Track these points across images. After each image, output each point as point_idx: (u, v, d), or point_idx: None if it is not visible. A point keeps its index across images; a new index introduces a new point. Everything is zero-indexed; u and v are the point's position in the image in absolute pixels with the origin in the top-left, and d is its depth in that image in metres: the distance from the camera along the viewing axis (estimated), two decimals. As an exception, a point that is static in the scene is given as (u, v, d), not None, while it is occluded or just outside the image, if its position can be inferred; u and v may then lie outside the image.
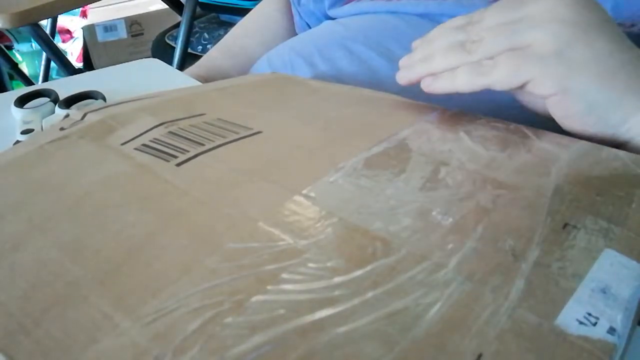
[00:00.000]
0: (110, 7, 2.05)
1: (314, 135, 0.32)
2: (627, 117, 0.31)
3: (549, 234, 0.23)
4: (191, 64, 0.69)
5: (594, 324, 0.19)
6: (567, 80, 0.31)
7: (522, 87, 0.32)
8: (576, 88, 0.31)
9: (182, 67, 1.23)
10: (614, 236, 0.23)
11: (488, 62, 0.32)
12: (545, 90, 0.32)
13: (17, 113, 0.47)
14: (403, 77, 0.37)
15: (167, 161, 0.29)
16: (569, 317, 0.19)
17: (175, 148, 0.31)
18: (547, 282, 0.20)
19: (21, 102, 0.49)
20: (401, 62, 0.38)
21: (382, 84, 0.45)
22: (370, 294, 0.20)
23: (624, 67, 0.31)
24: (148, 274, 0.21)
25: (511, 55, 0.32)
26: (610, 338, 0.18)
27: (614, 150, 0.30)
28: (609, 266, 0.21)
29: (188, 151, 0.30)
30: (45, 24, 1.73)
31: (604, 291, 0.20)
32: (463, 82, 0.33)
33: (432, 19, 0.49)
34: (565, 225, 0.23)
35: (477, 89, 0.33)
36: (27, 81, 1.67)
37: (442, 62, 0.34)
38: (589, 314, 0.19)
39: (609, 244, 0.22)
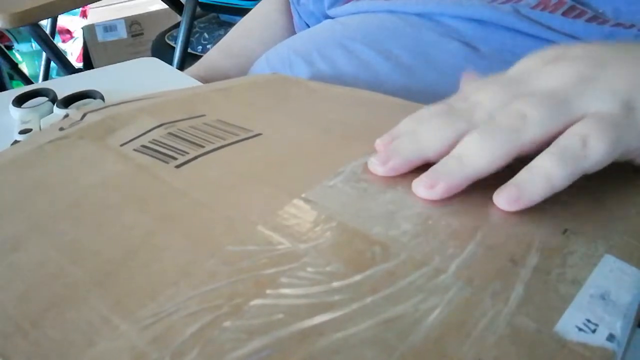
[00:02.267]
0: (110, 7, 2.05)
1: (313, 138, 0.32)
2: None
3: (548, 239, 0.23)
4: (191, 64, 0.69)
5: (593, 331, 0.18)
6: None
7: None
8: None
9: (182, 67, 1.23)
10: (614, 242, 0.22)
11: (574, 144, 0.24)
12: None
13: (15, 112, 0.47)
14: (421, 185, 0.26)
15: (167, 163, 0.29)
16: (568, 324, 0.19)
17: (175, 150, 0.30)
18: (546, 288, 0.20)
19: (19, 101, 0.48)
20: (385, 166, 0.27)
21: (381, 83, 0.45)
22: (369, 299, 0.20)
23: None
24: (146, 276, 0.21)
25: (600, 128, 0.24)
26: (610, 345, 0.18)
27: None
28: (609, 272, 0.21)
29: (187, 153, 0.30)
30: (45, 24, 1.73)
31: (603, 297, 0.20)
32: (561, 176, 0.24)
33: (431, 19, 0.48)
34: (565, 231, 0.23)
35: (574, 179, 0.24)
36: (27, 81, 1.67)
37: (485, 158, 0.25)
38: (588, 321, 0.19)
39: (608, 250, 0.22)
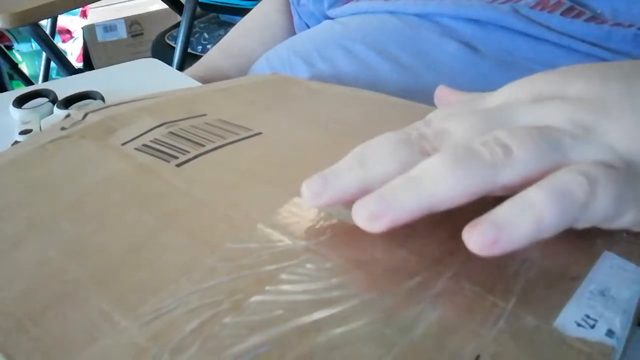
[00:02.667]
0: (110, 7, 2.05)
1: (314, 137, 0.32)
2: None
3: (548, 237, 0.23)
4: (191, 64, 0.69)
5: (592, 327, 0.19)
6: None
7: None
8: None
9: (182, 67, 1.23)
10: (613, 240, 0.23)
11: (577, 184, 0.19)
12: None
13: (16, 113, 0.47)
14: (364, 211, 0.21)
15: (168, 162, 0.29)
16: (568, 320, 0.19)
17: (176, 149, 0.31)
18: (545, 284, 0.20)
19: (19, 102, 0.48)
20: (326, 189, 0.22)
21: (380, 83, 0.45)
22: (367, 296, 0.20)
23: None
24: (148, 273, 0.21)
25: (609, 178, 0.19)
26: (609, 340, 0.18)
27: None
28: (608, 269, 0.21)
29: (188, 152, 0.30)
30: (45, 24, 1.73)
31: (603, 293, 0.20)
32: (554, 220, 0.19)
33: (431, 19, 0.48)
34: None
35: (565, 228, 0.19)
36: (27, 81, 1.67)
37: (452, 184, 0.20)
38: (588, 317, 0.19)
39: (608, 248, 0.22)
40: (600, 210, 0.19)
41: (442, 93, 0.30)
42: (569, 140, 0.21)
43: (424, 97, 0.36)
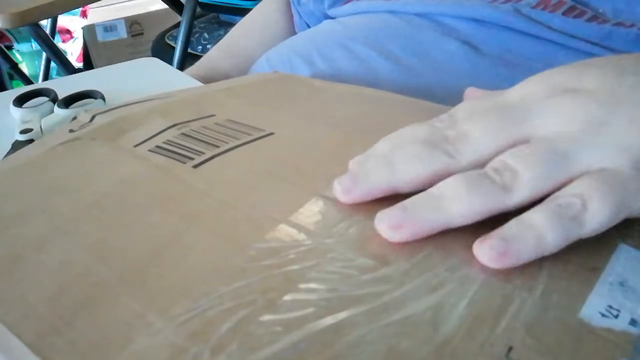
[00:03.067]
0: (110, 7, 2.05)
1: (325, 136, 0.32)
2: None
3: None
4: (191, 64, 0.69)
5: (616, 317, 0.19)
6: None
7: None
8: None
9: (182, 67, 1.23)
10: (627, 232, 0.23)
11: (573, 204, 0.21)
12: None
13: (16, 112, 0.47)
14: (384, 222, 0.23)
15: (184, 163, 0.29)
16: (592, 310, 0.20)
17: (190, 150, 0.31)
18: (567, 276, 0.21)
19: (20, 101, 0.48)
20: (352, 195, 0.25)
21: (381, 83, 0.45)
22: (398, 292, 0.20)
23: None
24: (176, 274, 0.22)
25: (603, 190, 0.21)
26: (633, 330, 0.19)
27: None
28: (624, 261, 0.22)
29: (203, 153, 0.30)
30: (45, 24, 1.73)
31: (622, 284, 0.21)
32: (555, 240, 0.21)
33: (432, 19, 0.48)
34: None
35: (568, 244, 0.21)
36: (27, 81, 1.67)
37: (467, 206, 0.22)
38: (611, 307, 0.20)
39: (622, 240, 0.23)
40: (599, 221, 0.21)
41: (471, 94, 0.32)
42: (577, 148, 0.22)
43: (425, 97, 0.36)
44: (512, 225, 0.21)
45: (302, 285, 0.20)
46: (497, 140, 0.23)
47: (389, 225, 0.22)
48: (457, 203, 0.22)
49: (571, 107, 0.23)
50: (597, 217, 0.21)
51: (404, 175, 0.24)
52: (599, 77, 0.24)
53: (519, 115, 0.24)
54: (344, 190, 0.24)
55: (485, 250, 0.21)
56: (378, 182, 0.24)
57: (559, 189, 0.22)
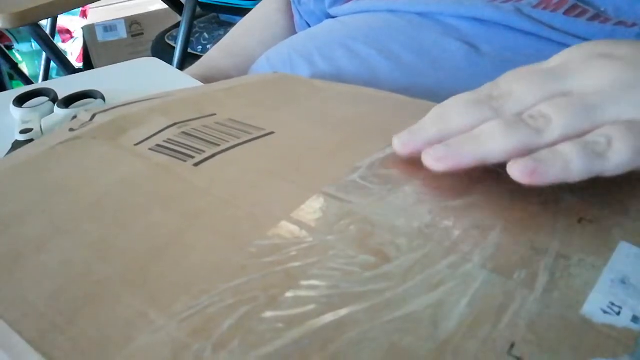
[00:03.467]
0: (110, 7, 2.05)
1: (326, 136, 0.32)
2: None
3: (565, 228, 0.24)
4: (191, 64, 0.69)
5: (618, 314, 0.19)
6: None
7: None
8: None
9: (182, 67, 1.23)
10: (628, 230, 0.23)
11: (600, 142, 0.24)
12: None
13: (16, 112, 0.47)
14: (433, 157, 0.26)
15: (184, 161, 0.29)
16: (594, 307, 0.20)
17: (191, 148, 0.31)
18: (569, 273, 0.21)
19: (20, 101, 0.48)
20: (409, 138, 0.28)
21: (382, 82, 0.45)
22: (400, 288, 0.20)
23: None
24: (177, 272, 0.22)
25: (628, 134, 0.24)
26: (635, 326, 0.19)
27: None
28: (625, 258, 0.22)
29: (204, 151, 0.30)
30: (45, 24, 1.73)
31: (623, 282, 0.21)
32: (579, 169, 0.24)
33: (432, 18, 0.48)
34: (580, 220, 0.24)
35: (591, 176, 0.24)
36: (27, 81, 1.67)
37: (502, 143, 0.25)
38: (612, 304, 0.20)
39: (623, 237, 0.23)
40: (620, 160, 0.24)
41: None
42: (609, 102, 0.25)
43: (425, 96, 0.36)
44: (543, 151, 0.24)
45: (304, 282, 0.21)
46: (538, 95, 0.26)
47: (434, 157, 0.25)
48: (494, 140, 0.25)
49: (605, 68, 0.26)
50: (619, 156, 0.24)
51: (454, 124, 0.27)
52: (631, 48, 0.27)
53: (558, 74, 0.27)
54: (402, 144, 0.27)
55: (518, 166, 0.23)
56: (431, 133, 0.27)
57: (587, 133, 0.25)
